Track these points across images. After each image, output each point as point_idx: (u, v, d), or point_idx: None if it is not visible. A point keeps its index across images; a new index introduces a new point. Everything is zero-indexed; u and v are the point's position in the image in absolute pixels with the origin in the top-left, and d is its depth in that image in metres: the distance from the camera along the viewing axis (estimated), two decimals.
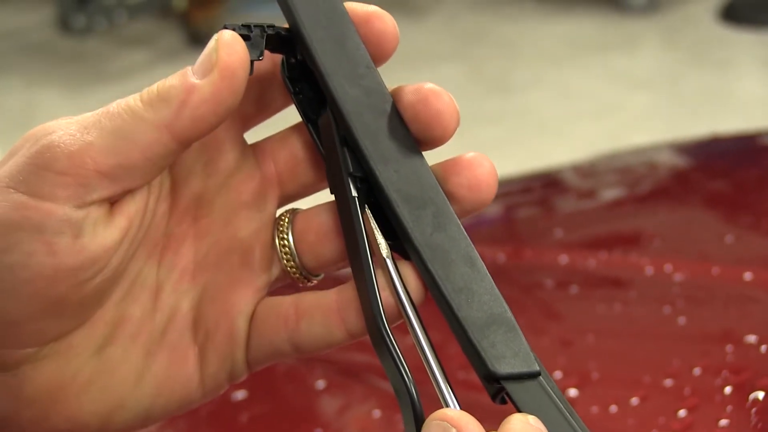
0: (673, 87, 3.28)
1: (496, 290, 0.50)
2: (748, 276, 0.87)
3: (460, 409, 0.48)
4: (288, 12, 0.53)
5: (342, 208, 0.52)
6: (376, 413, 0.81)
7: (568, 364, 0.81)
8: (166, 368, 0.54)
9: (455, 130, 0.52)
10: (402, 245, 0.51)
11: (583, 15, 3.78)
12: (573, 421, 0.48)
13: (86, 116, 0.50)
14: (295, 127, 0.55)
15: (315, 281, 0.55)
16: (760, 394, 0.72)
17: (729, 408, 0.72)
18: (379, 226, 0.52)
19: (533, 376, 0.49)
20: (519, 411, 0.48)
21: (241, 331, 0.54)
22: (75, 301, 0.50)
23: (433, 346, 0.50)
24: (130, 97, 0.50)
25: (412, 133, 0.52)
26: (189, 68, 0.50)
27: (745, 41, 3.49)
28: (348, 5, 0.53)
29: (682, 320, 0.85)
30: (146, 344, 0.54)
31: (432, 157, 0.53)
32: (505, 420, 0.47)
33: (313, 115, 0.54)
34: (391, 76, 0.53)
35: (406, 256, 0.52)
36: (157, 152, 0.50)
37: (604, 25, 3.70)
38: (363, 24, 0.53)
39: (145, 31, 3.97)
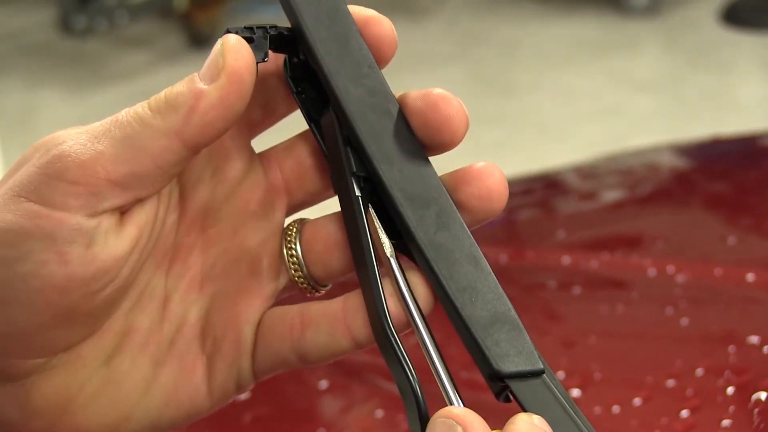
0: (674, 89, 3.28)
1: (500, 289, 0.50)
2: (750, 277, 0.87)
3: (462, 403, 0.48)
4: (290, 12, 0.53)
5: (346, 207, 0.53)
6: (379, 413, 0.81)
7: (570, 364, 0.81)
8: (174, 378, 0.54)
9: (465, 134, 0.52)
10: (406, 245, 0.52)
11: (585, 17, 3.78)
12: (578, 420, 0.48)
13: (95, 125, 0.50)
14: (301, 135, 0.55)
15: (323, 291, 0.55)
16: (763, 395, 0.72)
17: (731, 408, 0.72)
18: (382, 226, 0.52)
19: (537, 374, 0.49)
20: (523, 409, 0.48)
21: (247, 339, 0.54)
22: (85, 311, 0.50)
23: (436, 344, 0.50)
24: (138, 105, 0.50)
25: (420, 139, 0.52)
26: (196, 74, 0.50)
27: (746, 43, 3.49)
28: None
29: (684, 321, 0.85)
30: (154, 354, 0.54)
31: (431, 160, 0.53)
32: (510, 420, 0.47)
33: (316, 115, 0.54)
34: (392, 78, 0.53)
35: (409, 256, 0.52)
36: (168, 159, 0.50)
37: (605, 27, 3.70)
38: (361, 28, 0.53)
39: (146, 32, 3.98)
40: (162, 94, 0.50)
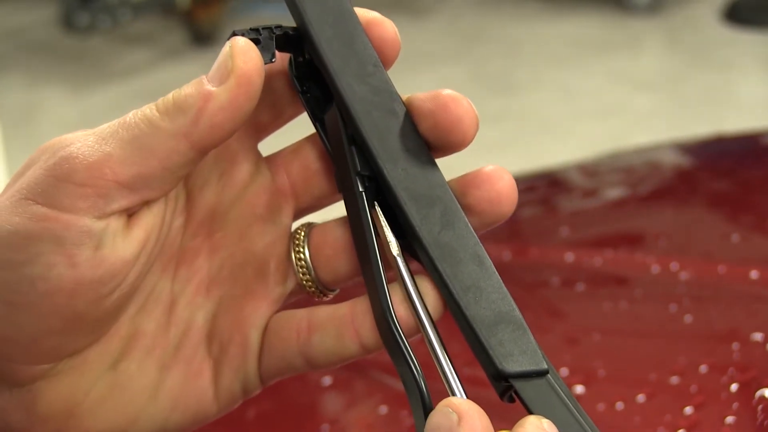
0: (676, 87, 3.28)
1: (504, 289, 0.50)
2: (754, 275, 0.87)
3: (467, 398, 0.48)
4: (296, 11, 0.53)
5: (350, 206, 0.53)
6: (383, 409, 0.81)
7: (574, 361, 0.81)
8: (180, 382, 0.54)
9: (475, 135, 0.52)
10: (410, 244, 0.52)
11: (586, 15, 3.78)
12: (582, 419, 0.48)
13: (103, 128, 0.50)
14: (307, 139, 0.55)
15: (330, 296, 0.55)
16: (767, 392, 0.72)
17: (735, 405, 0.72)
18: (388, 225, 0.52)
19: (541, 374, 0.49)
20: (527, 409, 0.48)
21: (254, 343, 0.54)
22: (93, 316, 0.50)
23: (440, 336, 0.50)
24: (145, 107, 0.50)
25: (430, 140, 0.52)
26: (203, 77, 0.50)
27: (747, 42, 3.49)
28: None
29: (688, 318, 0.85)
30: (160, 359, 0.53)
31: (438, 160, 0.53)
32: (519, 422, 0.47)
33: (321, 114, 0.54)
34: (394, 76, 0.53)
35: (414, 255, 0.52)
36: (176, 161, 0.49)
37: (606, 26, 3.70)
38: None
39: (149, 30, 3.98)
40: (170, 96, 0.50)
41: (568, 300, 0.94)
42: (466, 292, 0.50)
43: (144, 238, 0.51)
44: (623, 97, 3.23)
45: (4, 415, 0.52)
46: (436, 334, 0.50)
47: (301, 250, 0.54)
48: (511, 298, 0.50)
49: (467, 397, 0.48)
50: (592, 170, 1.24)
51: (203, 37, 3.79)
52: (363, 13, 0.53)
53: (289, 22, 0.54)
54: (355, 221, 0.52)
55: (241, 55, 0.50)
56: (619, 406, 0.75)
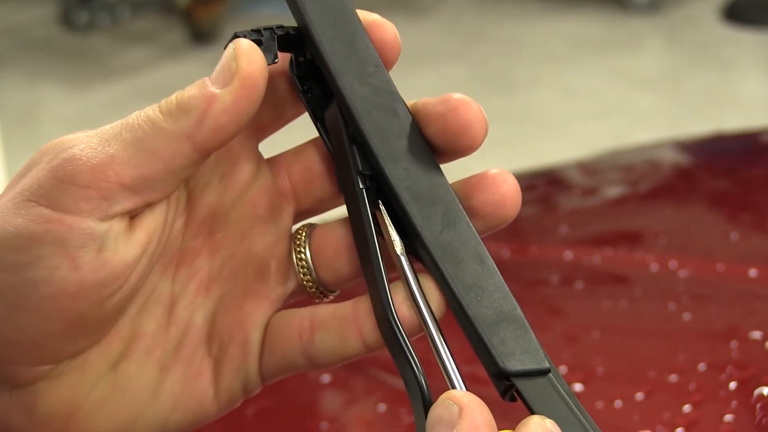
0: (676, 86, 3.28)
1: (506, 287, 0.50)
2: (752, 273, 0.87)
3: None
4: (297, 11, 0.53)
5: (351, 206, 0.53)
6: (382, 407, 0.81)
7: (573, 359, 0.81)
8: (181, 383, 0.54)
9: (484, 139, 0.52)
10: (412, 243, 0.51)
11: (586, 14, 3.78)
12: (583, 419, 0.48)
13: (105, 129, 0.50)
14: (310, 142, 0.55)
15: (331, 297, 0.55)
16: (765, 390, 0.72)
17: (734, 403, 0.73)
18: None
19: (543, 373, 0.49)
20: (529, 408, 0.48)
21: (254, 343, 0.54)
22: (94, 319, 0.50)
23: (443, 336, 0.50)
24: (148, 109, 0.50)
25: (439, 144, 0.52)
26: (207, 78, 0.50)
27: (747, 41, 3.49)
28: None
29: (687, 316, 0.85)
30: (161, 359, 0.53)
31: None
32: (523, 421, 0.47)
33: (322, 114, 0.54)
34: (394, 75, 0.53)
35: (415, 255, 0.52)
36: (179, 163, 0.49)
37: (607, 25, 3.70)
38: None
39: (148, 28, 3.98)
40: (173, 97, 0.50)
41: (567, 298, 0.94)
42: (468, 291, 0.50)
43: (146, 240, 0.51)
44: (623, 96, 3.23)
45: (4, 416, 0.52)
46: (439, 333, 0.50)
47: (302, 250, 0.54)
48: (512, 297, 0.50)
49: (465, 383, 0.48)
50: (592, 168, 1.24)
51: (203, 35, 3.79)
52: (364, 15, 0.53)
53: (288, 21, 0.54)
54: (355, 220, 0.52)
55: (245, 56, 0.50)
56: (618, 404, 0.75)
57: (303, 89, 0.54)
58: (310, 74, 0.54)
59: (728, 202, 1.08)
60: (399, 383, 0.50)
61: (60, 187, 0.49)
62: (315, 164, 0.55)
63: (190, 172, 0.51)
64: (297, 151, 0.55)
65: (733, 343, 0.79)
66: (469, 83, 3.37)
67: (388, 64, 0.53)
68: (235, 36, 0.51)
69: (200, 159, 0.50)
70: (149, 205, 0.51)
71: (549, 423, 0.47)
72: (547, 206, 1.15)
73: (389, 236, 0.51)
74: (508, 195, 0.52)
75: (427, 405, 0.48)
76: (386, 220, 0.52)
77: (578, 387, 0.77)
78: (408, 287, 0.51)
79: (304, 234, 0.54)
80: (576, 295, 0.94)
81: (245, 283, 0.54)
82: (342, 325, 0.53)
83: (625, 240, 1.02)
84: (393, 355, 0.51)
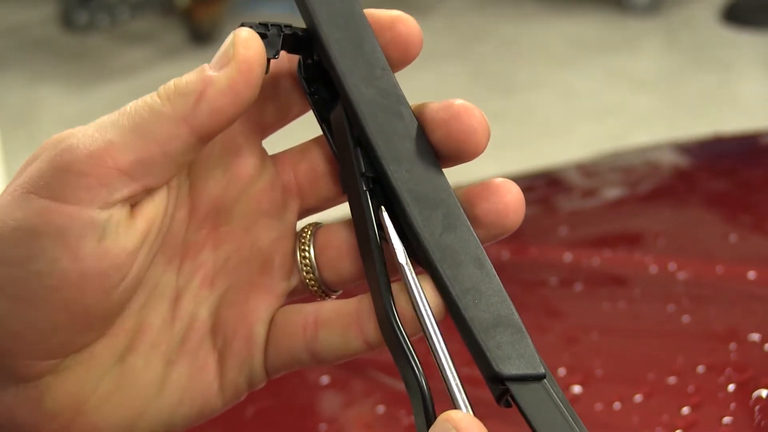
0: (674, 88, 3.28)
1: (504, 292, 0.50)
2: (751, 275, 0.87)
3: (472, 410, 0.48)
4: (306, 13, 0.53)
5: (354, 206, 0.53)
6: (381, 409, 0.81)
7: (572, 361, 0.81)
8: (186, 376, 0.54)
9: (486, 145, 0.52)
10: (411, 245, 0.52)
11: (585, 15, 3.78)
12: (575, 426, 0.48)
13: (104, 118, 0.50)
14: (316, 140, 0.55)
15: (333, 296, 0.55)
16: (764, 392, 0.72)
17: (732, 406, 0.73)
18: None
19: (538, 378, 0.49)
20: (523, 413, 0.48)
21: (259, 336, 0.54)
22: (99, 310, 0.50)
23: (444, 341, 0.50)
24: (146, 96, 0.50)
25: (442, 150, 0.52)
26: (206, 65, 0.50)
27: (746, 42, 3.49)
28: (370, 11, 0.54)
29: (686, 318, 0.85)
30: (166, 352, 0.54)
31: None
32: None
33: (328, 116, 0.54)
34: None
35: (414, 257, 0.52)
36: (176, 147, 0.50)
37: (606, 26, 3.70)
38: (388, 29, 0.53)
39: (148, 28, 3.97)
40: (171, 82, 0.50)
41: (566, 299, 0.94)
42: (466, 294, 0.50)
43: (146, 228, 0.51)
44: (622, 97, 3.23)
45: (11, 411, 0.52)
46: (439, 339, 0.50)
47: (306, 249, 0.55)
48: (510, 302, 0.50)
49: (470, 402, 0.48)
50: (591, 170, 1.24)
51: (202, 36, 3.79)
52: (385, 12, 0.53)
53: (289, 21, 0.54)
54: (358, 221, 0.53)
55: (243, 42, 0.50)
56: (617, 405, 0.75)
57: (310, 91, 0.54)
58: (317, 76, 0.54)
59: (727, 204, 1.08)
60: (398, 385, 0.50)
61: (58, 176, 0.49)
62: (320, 164, 0.55)
63: (189, 157, 0.51)
64: (302, 150, 0.55)
65: (732, 345, 0.79)
66: (468, 84, 3.37)
67: (411, 58, 0.53)
68: (242, 26, 0.51)
69: (198, 144, 0.50)
70: (149, 192, 0.51)
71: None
72: (547, 207, 1.15)
73: (392, 242, 0.51)
74: (511, 205, 0.52)
75: (427, 406, 0.49)
76: (389, 227, 0.52)
77: (577, 388, 0.77)
78: (410, 296, 0.51)
79: (309, 233, 0.55)
80: (575, 297, 0.94)
81: (250, 278, 0.55)
82: (345, 323, 0.53)
83: (625, 241, 1.02)
84: (394, 355, 0.51)
